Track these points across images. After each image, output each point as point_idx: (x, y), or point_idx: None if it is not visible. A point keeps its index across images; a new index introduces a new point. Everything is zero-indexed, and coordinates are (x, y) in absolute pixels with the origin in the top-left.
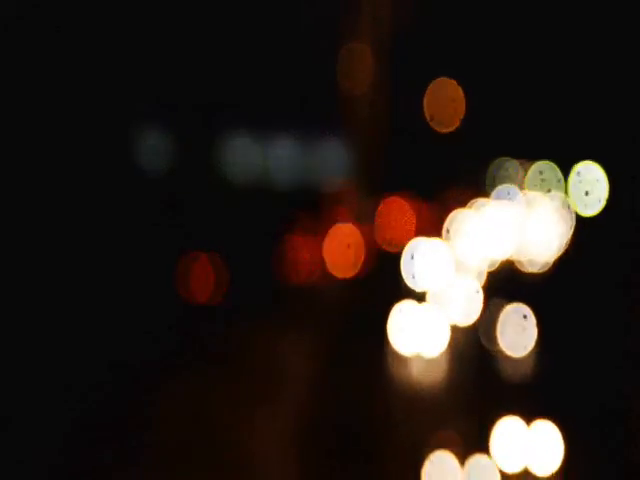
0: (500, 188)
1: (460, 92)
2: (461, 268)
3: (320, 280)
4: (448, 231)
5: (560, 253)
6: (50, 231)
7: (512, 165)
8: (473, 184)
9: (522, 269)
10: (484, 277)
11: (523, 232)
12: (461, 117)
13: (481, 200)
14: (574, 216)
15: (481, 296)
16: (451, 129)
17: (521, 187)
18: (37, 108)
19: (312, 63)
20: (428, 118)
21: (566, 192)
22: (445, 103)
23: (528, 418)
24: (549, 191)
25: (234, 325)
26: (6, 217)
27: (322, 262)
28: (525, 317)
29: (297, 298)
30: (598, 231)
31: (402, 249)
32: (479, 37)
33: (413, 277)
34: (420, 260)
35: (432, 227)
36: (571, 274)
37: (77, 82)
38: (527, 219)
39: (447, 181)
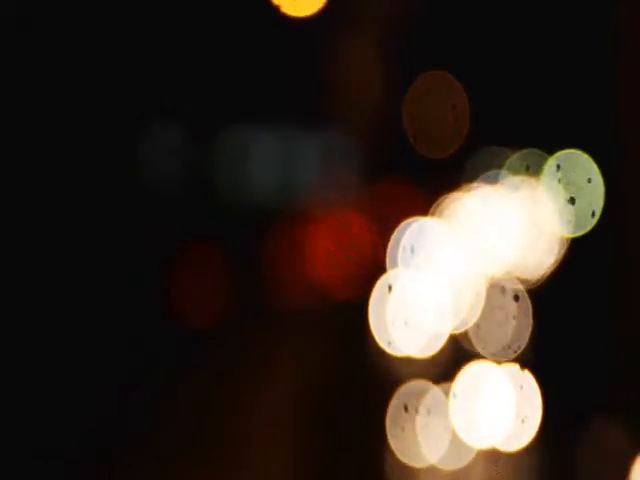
0: (489, 173)
1: (462, 94)
2: (461, 256)
3: (321, 277)
4: (439, 215)
5: (551, 268)
6: (50, 231)
7: (499, 152)
8: (460, 169)
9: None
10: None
11: (516, 236)
12: (464, 134)
13: (472, 184)
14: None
15: (483, 292)
16: (448, 153)
17: (512, 173)
18: (37, 109)
19: (310, 61)
20: (411, 138)
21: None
22: (444, 114)
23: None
24: (528, 170)
25: (236, 324)
26: (6, 217)
27: (323, 260)
28: (517, 298)
29: (299, 297)
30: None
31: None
32: (472, 28)
33: (405, 262)
34: (414, 243)
35: (422, 212)
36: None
37: (76, 83)
38: (518, 209)
39: (435, 166)
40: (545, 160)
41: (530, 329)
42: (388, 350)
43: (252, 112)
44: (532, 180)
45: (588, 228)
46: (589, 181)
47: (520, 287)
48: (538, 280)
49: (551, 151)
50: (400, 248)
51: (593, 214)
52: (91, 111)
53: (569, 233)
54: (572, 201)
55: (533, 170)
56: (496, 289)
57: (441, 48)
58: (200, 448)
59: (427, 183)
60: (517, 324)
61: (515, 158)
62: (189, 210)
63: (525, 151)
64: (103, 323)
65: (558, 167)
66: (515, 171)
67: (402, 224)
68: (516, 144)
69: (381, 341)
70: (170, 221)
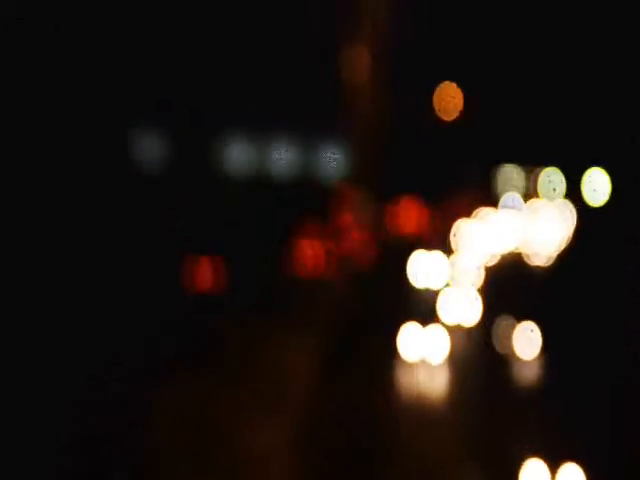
0: (505, 197)
1: (459, 91)
2: (463, 275)
3: (323, 276)
4: (454, 238)
5: (564, 247)
6: (51, 231)
7: (517, 171)
8: (479, 191)
9: (527, 262)
10: (483, 276)
11: (528, 232)
12: (460, 109)
13: (486, 209)
14: (575, 216)
15: (480, 303)
16: (453, 117)
17: (526, 193)
18: (36, 109)
19: (313, 63)
20: (436, 109)
21: (568, 195)
22: (448, 99)
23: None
24: (554, 190)
25: (237, 324)
26: (6, 217)
27: (325, 259)
28: (532, 331)
29: (301, 296)
30: (601, 222)
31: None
32: (484, 44)
33: (418, 288)
34: (424, 272)
35: (437, 234)
36: (575, 267)
37: (76, 83)
38: (531, 223)
39: (453, 188)
40: (559, 176)
41: (539, 339)
42: (405, 357)
43: (263, 117)
44: (551, 193)
45: (602, 203)
46: (601, 181)
47: (533, 326)
48: (550, 258)
49: (564, 169)
50: (416, 277)
51: (603, 195)
52: (109, 111)
53: (593, 204)
54: (594, 190)
55: (556, 187)
56: (520, 329)
57: (460, 66)
58: (201, 443)
59: (441, 205)
60: (532, 336)
61: (541, 178)
62: (206, 203)
63: (547, 170)
64: (102, 318)
65: (590, 176)
66: (535, 188)
67: (416, 253)
68: (531, 163)
69: (400, 348)
70: (186, 213)
